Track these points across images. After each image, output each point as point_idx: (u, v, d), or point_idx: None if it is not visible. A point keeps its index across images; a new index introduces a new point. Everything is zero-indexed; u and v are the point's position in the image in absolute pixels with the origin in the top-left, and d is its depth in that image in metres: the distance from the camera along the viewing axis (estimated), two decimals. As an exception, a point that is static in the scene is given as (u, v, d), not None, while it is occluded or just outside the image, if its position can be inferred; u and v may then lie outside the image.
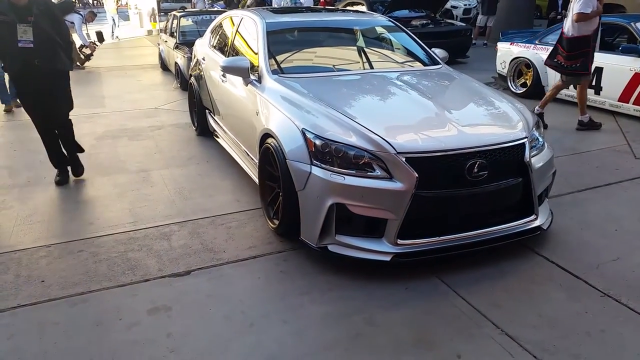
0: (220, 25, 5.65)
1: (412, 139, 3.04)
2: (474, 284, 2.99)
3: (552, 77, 7.37)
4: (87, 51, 10.86)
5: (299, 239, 3.24)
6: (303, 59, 4.42)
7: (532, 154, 3.26)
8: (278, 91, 3.71)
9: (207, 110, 5.69)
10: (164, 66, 10.61)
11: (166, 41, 10.05)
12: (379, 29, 4.92)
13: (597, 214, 3.88)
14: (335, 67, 4.28)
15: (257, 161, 3.86)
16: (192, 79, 6.03)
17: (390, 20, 4.98)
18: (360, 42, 4.70)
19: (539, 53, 7.52)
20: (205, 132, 5.82)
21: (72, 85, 4.53)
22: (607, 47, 7.26)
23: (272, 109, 3.59)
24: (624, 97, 6.48)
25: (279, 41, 4.37)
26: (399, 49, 4.80)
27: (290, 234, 3.36)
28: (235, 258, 3.27)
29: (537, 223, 3.32)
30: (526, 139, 3.22)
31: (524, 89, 7.83)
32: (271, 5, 13.18)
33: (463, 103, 3.67)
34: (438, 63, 4.49)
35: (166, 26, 10.69)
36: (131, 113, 7.20)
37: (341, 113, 3.24)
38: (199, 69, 5.79)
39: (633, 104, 6.39)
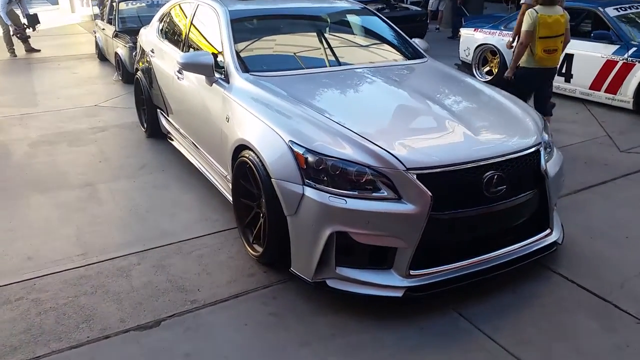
0: (170, 13, 4.97)
1: (422, 151, 2.58)
2: (497, 316, 2.60)
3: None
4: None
5: (288, 270, 2.74)
6: (276, 53, 3.86)
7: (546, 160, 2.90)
8: (252, 93, 3.16)
9: (158, 110, 5.03)
10: (102, 56, 9.66)
11: (103, 29, 9.10)
12: (357, 17, 4.40)
13: (601, 219, 3.60)
14: (325, 63, 3.75)
15: (227, 174, 3.31)
16: (139, 73, 5.32)
17: (367, 9, 4.48)
18: (336, 32, 4.19)
19: (505, 39, 7.25)
20: (156, 133, 5.16)
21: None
22: (577, 34, 7.08)
23: (247, 116, 3.04)
24: (596, 85, 6.32)
25: (246, 32, 3.80)
26: (381, 39, 4.30)
27: (277, 263, 2.86)
28: (213, 298, 2.73)
29: (552, 238, 2.97)
30: (540, 145, 2.86)
31: (490, 77, 7.55)
32: None
33: (468, 105, 3.24)
34: (422, 56, 4.06)
35: (102, 12, 9.72)
36: (68, 112, 6.37)
37: (334, 121, 2.74)
38: (147, 62, 5.10)
39: (605, 92, 6.23)
